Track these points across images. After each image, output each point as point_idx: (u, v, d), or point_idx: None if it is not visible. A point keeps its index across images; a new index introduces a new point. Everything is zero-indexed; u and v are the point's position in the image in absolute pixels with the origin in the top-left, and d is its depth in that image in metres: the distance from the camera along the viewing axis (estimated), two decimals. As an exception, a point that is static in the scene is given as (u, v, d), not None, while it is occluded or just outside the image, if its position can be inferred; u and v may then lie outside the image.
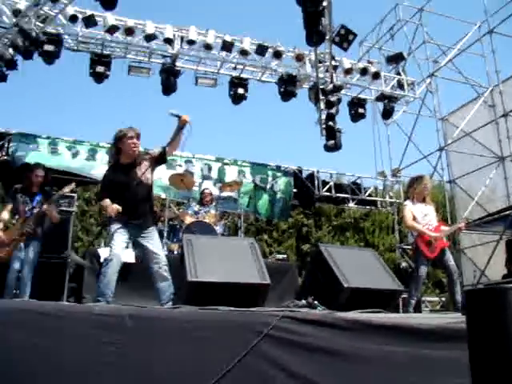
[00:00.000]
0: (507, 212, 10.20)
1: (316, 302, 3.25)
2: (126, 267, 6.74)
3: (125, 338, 2.46)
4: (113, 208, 4.34)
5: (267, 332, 2.58)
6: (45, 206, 5.64)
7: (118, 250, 4.49)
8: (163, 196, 9.58)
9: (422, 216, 5.76)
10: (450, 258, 5.58)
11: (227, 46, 10.29)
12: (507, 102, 10.55)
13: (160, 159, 4.66)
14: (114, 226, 4.47)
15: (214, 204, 8.61)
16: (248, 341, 2.55)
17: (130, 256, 6.91)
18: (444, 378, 2.67)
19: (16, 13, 8.48)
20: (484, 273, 10.46)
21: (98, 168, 10.23)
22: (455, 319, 3.05)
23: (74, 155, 10.36)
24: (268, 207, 11.83)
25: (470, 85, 12.81)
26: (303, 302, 3.28)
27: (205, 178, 11.07)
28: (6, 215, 5.70)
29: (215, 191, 9.64)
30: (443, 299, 12.01)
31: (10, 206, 5.76)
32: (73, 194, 7.19)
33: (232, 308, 2.78)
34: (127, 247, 4.78)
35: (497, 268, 10.19)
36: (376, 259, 3.98)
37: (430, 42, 13.18)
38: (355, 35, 8.79)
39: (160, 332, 2.52)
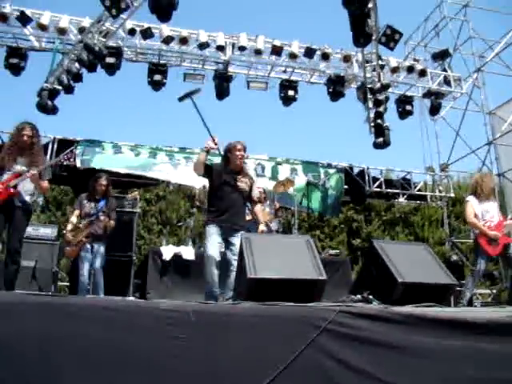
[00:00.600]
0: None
1: (371, 297, 3.36)
2: (186, 264, 7.13)
3: (190, 333, 2.63)
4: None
5: (325, 326, 2.71)
6: (102, 217, 6.26)
7: (213, 250, 4.78)
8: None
9: (483, 213, 5.77)
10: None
11: (276, 50, 10.55)
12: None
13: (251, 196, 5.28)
14: (211, 229, 4.87)
15: (268, 202, 8.78)
16: (307, 335, 2.69)
17: (190, 253, 7.23)
18: (501, 372, 2.74)
19: (81, 30, 9.18)
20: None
21: (159, 165, 10.94)
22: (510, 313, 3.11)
23: (137, 155, 10.89)
24: (320, 203, 12.00)
25: (518, 77, 12.61)
26: (358, 296, 3.40)
27: (259, 176, 11.29)
28: (74, 219, 6.38)
29: (270, 187, 9.92)
30: (494, 291, 11.85)
31: (77, 212, 6.44)
32: (136, 196, 7.63)
33: (291, 303, 2.91)
34: (220, 247, 5.02)
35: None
36: (429, 254, 4.03)
37: (475, 37, 13.04)
38: (401, 34, 8.80)
39: (223, 327, 2.68)
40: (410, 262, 3.75)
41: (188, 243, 8.32)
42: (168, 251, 7.29)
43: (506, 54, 12.64)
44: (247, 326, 2.72)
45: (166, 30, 9.85)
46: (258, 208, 5.44)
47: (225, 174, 5.09)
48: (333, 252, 9.25)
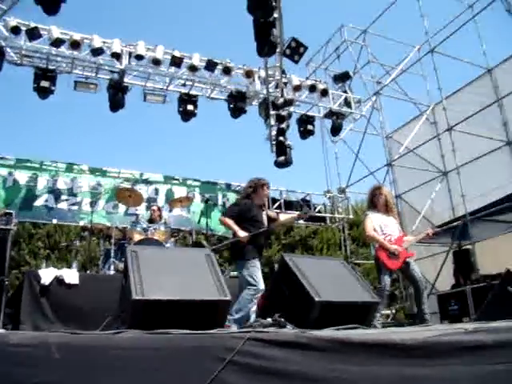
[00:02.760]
0: (454, 223, 10.34)
1: (283, 320, 2.82)
2: (69, 289, 6.19)
3: (51, 375, 1.95)
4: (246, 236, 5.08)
5: (231, 358, 2.15)
6: None
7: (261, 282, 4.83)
8: (108, 224, 9.02)
9: (382, 227, 5.55)
10: (415, 269, 5.37)
11: (176, 62, 10.00)
12: (450, 118, 10.69)
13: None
14: (252, 261, 5.00)
15: (163, 221, 8.19)
16: (208, 371, 2.11)
17: (73, 277, 6.36)
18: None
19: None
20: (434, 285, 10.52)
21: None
22: (436, 332, 2.72)
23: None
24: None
25: (412, 103, 13.17)
26: (269, 320, 2.84)
27: (152, 201, 10.56)
28: None
29: (165, 213, 9.28)
30: (393, 311, 11.96)
31: None
32: (10, 211, 6.58)
33: (187, 331, 2.30)
34: None
35: (445, 279, 10.25)
36: (347, 269, 3.61)
37: (374, 61, 13.50)
38: (306, 48, 8.68)
39: (96, 364, 2.01)
40: (327, 278, 3.28)
41: (72, 266, 7.38)
42: (48, 274, 6.31)
43: (402, 80, 13.16)
44: (129, 361, 2.06)
45: (55, 31, 8.96)
46: (280, 216, 5.91)
47: (252, 208, 5.42)
48: (234, 274, 8.67)
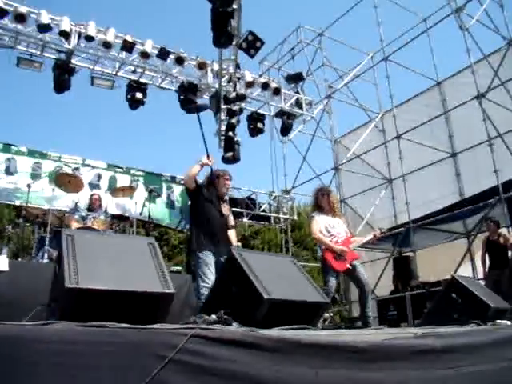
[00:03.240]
0: (396, 230, 10.51)
1: (229, 317, 2.63)
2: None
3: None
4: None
5: (172, 356, 1.94)
6: None
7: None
8: (46, 207, 8.50)
9: (328, 228, 5.46)
10: (361, 271, 5.31)
11: (128, 46, 9.57)
12: (398, 126, 10.86)
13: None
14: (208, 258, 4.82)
15: (103, 210, 7.80)
16: (147, 369, 1.89)
17: (2, 263, 5.91)
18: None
19: None
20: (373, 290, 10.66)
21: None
22: (387, 335, 2.63)
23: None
24: (167, 215, 11.29)
25: (362, 109, 13.31)
26: (213, 317, 2.64)
27: (93, 187, 10.12)
28: None
29: (107, 198, 8.88)
30: (331, 314, 12.03)
31: None
32: None
33: (125, 325, 2.08)
34: None
35: (384, 284, 10.41)
36: (296, 267, 3.45)
37: (327, 65, 13.58)
38: (263, 42, 8.54)
39: (17, 360, 1.76)
40: (277, 275, 3.12)
41: (2, 252, 6.90)
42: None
43: (354, 86, 13.30)
44: (59, 356, 1.82)
45: (-2, 0, 8.33)
46: (233, 233, 5.46)
47: (209, 196, 5.21)
48: (174, 269, 8.44)
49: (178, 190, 11.47)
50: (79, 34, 9.31)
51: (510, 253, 7.48)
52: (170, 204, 11.35)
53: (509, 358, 2.81)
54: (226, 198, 5.66)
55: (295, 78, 12.55)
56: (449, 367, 2.61)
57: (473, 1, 9.44)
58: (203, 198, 5.15)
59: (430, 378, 2.49)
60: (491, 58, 9.31)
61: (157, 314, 2.56)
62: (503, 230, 7.88)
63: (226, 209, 5.35)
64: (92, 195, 8.05)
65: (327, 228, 5.48)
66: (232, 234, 5.37)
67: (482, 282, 7.63)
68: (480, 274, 8.73)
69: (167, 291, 2.56)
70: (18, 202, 9.42)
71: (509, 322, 4.20)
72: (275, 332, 2.37)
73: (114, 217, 8.25)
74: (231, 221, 5.44)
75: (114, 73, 10.12)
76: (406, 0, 12.60)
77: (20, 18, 8.66)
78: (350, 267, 5.26)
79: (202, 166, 5.11)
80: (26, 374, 1.70)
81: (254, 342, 2.12)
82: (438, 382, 2.51)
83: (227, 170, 5.56)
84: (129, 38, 9.58)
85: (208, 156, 5.09)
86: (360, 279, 5.28)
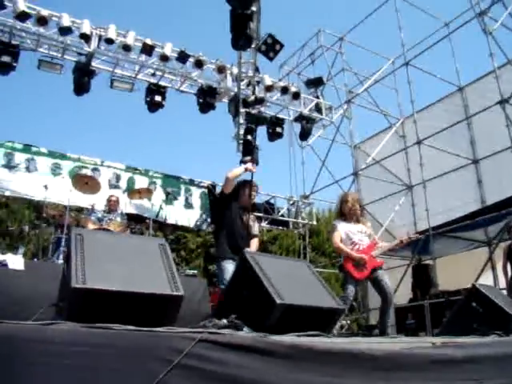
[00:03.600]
0: (417, 237, 10.32)
1: (240, 322, 2.55)
2: (13, 275, 5.74)
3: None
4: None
5: (179, 361, 1.87)
6: None
7: None
8: (65, 203, 8.52)
9: (350, 235, 5.35)
10: (383, 278, 5.18)
11: (147, 49, 9.62)
12: (419, 132, 10.70)
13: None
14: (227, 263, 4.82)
15: (119, 212, 7.79)
16: (152, 373, 1.81)
17: (18, 263, 5.92)
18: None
19: None
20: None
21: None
22: (404, 344, 2.52)
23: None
24: (185, 216, 11.24)
25: (382, 114, 13.14)
26: (224, 321, 2.56)
27: (112, 187, 10.15)
28: None
29: (124, 199, 8.89)
30: (348, 322, 11.88)
31: None
32: None
33: (131, 327, 2.00)
34: None
35: (402, 293, 10.22)
36: (311, 272, 3.36)
37: (348, 70, 13.46)
38: (282, 45, 8.48)
39: (22, 359, 1.69)
40: (290, 280, 3.02)
41: (18, 251, 6.92)
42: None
43: (374, 91, 13.14)
44: (61, 358, 1.75)
45: (21, 3, 8.43)
46: (254, 241, 5.32)
47: (236, 204, 5.18)
48: (190, 272, 8.38)
49: (196, 193, 11.47)
50: (99, 37, 9.41)
51: (533, 262, 7.27)
52: (189, 206, 11.31)
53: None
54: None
55: (315, 83, 12.48)
56: (471, 379, 2.49)
57: (497, 4, 9.26)
58: (231, 205, 5.13)
59: (450, 388, 2.38)
60: (516, 62, 9.11)
61: (165, 316, 2.49)
62: (526, 239, 7.67)
63: (250, 218, 5.28)
64: (110, 197, 8.05)
65: (348, 235, 5.37)
66: (253, 243, 5.29)
67: (504, 292, 7.43)
68: (502, 284, 8.51)
69: (176, 293, 2.48)
70: (37, 198, 9.42)
71: (532, 334, 4.05)
72: (288, 338, 2.28)
73: (130, 219, 8.23)
74: (255, 230, 5.39)
75: (134, 75, 10.20)
76: (429, 4, 12.43)
77: (42, 20, 8.80)
78: (372, 275, 5.14)
79: (246, 170, 5.11)
80: (22, 375, 1.64)
81: (265, 348, 2.03)
82: (458, 394, 2.40)
83: (254, 180, 5.44)
84: (148, 41, 9.63)
85: (253, 162, 5.19)
86: (382, 286, 5.15)
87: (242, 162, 10.38)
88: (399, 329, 8.14)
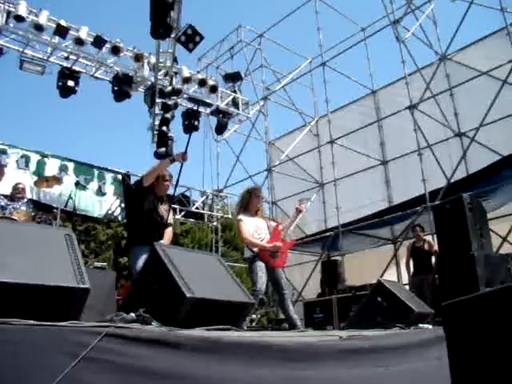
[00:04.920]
0: (326, 234, 10.66)
1: (148, 316, 2.49)
2: None
3: None
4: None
5: (85, 354, 1.79)
6: None
7: None
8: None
9: (258, 230, 5.36)
10: (281, 274, 5.24)
11: (61, 31, 9.11)
12: (333, 131, 11.04)
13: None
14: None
15: (25, 200, 7.34)
16: (58, 367, 1.73)
17: None
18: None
19: None
20: (301, 292, 10.78)
21: None
22: (313, 338, 2.59)
23: None
24: (97, 207, 10.89)
25: (298, 113, 13.44)
26: (132, 315, 2.49)
27: (20, 169, 9.59)
28: None
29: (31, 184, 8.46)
30: (258, 316, 12.06)
31: None
32: None
33: (32, 321, 1.90)
34: None
35: (311, 287, 10.54)
36: (222, 266, 3.34)
37: (266, 67, 13.63)
38: (202, 37, 8.41)
39: None
40: (201, 273, 2.98)
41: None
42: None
43: (291, 89, 13.41)
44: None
45: None
46: (168, 231, 5.21)
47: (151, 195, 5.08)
48: (98, 264, 8.08)
49: (110, 180, 11.13)
50: (8, 13, 8.78)
51: (433, 259, 7.71)
52: (101, 195, 10.96)
53: (436, 356, 2.84)
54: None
55: (233, 77, 12.50)
56: (378, 366, 2.60)
57: (410, 15, 9.73)
58: (147, 196, 5.02)
59: (360, 375, 2.47)
60: (424, 71, 9.61)
61: (70, 310, 2.37)
62: (428, 237, 8.12)
63: (164, 207, 5.24)
64: (17, 184, 7.54)
65: (257, 230, 5.37)
66: (167, 232, 5.20)
67: (407, 287, 7.84)
68: (405, 280, 8.97)
69: (82, 286, 2.37)
70: None
71: (430, 326, 4.30)
72: (196, 332, 2.26)
73: (37, 208, 7.78)
74: (170, 219, 5.28)
75: (46, 58, 9.62)
76: (347, 8, 12.91)
77: None
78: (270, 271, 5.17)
79: (172, 161, 5.06)
80: None
81: (173, 342, 2.00)
82: (367, 380, 2.50)
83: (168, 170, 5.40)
84: (63, 23, 9.14)
85: (184, 155, 4.95)
86: (280, 283, 5.19)
87: (157, 153, 10.21)
88: (308, 322, 8.34)
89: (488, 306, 1.55)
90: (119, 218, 11.47)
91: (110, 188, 11.13)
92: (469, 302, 1.62)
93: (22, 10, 8.72)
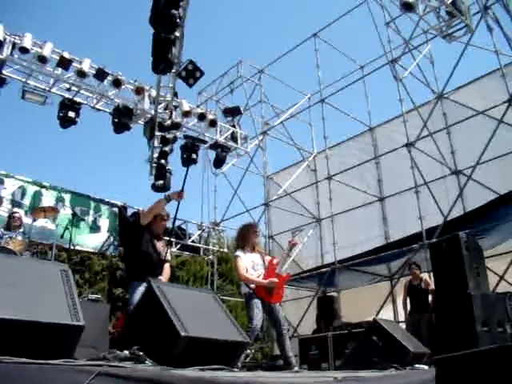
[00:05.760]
0: (322, 270, 10.62)
1: (142, 354, 2.46)
2: None
3: None
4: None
5: (78, 394, 1.76)
6: None
7: None
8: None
9: (252, 266, 5.35)
10: (279, 311, 5.21)
11: (64, 63, 9.19)
12: (330, 167, 11.12)
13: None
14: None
15: (22, 230, 7.32)
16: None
17: None
18: None
19: None
20: (296, 328, 10.67)
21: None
22: (306, 379, 2.55)
23: None
24: (91, 240, 10.79)
25: (296, 148, 13.54)
26: (126, 352, 2.46)
27: (15, 204, 9.57)
28: None
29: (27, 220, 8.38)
30: (253, 351, 11.86)
31: None
32: None
33: (24, 359, 1.88)
34: None
35: (307, 323, 10.43)
36: (218, 304, 3.31)
37: (265, 102, 13.81)
38: (202, 73, 8.50)
39: None
40: (196, 312, 2.96)
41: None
42: None
43: (290, 125, 13.56)
44: None
45: None
46: (166, 267, 5.28)
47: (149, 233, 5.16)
48: (93, 297, 8.00)
49: (106, 213, 11.10)
50: (13, 45, 8.92)
51: (430, 298, 7.67)
52: (96, 228, 10.91)
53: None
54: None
55: (232, 112, 12.61)
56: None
57: (407, 54, 9.92)
58: (144, 232, 5.09)
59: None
60: (421, 109, 9.73)
61: (63, 347, 2.35)
62: (425, 275, 8.08)
63: (162, 244, 5.31)
64: (13, 213, 7.55)
65: (254, 266, 5.36)
66: (165, 269, 5.24)
67: (403, 325, 7.76)
68: (401, 317, 8.89)
69: (76, 323, 2.35)
70: None
71: (426, 367, 4.24)
72: (190, 372, 2.23)
73: (33, 240, 7.75)
74: (167, 256, 5.35)
75: (48, 89, 9.73)
76: (346, 47, 13.14)
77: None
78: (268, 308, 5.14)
79: (169, 200, 5.10)
80: None
81: (166, 382, 1.97)
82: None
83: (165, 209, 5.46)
84: (66, 55, 9.27)
85: (181, 193, 5.04)
86: (278, 320, 5.16)
87: (155, 186, 10.23)
88: (303, 359, 8.23)
89: (480, 364, 1.55)
90: (113, 253, 11.41)
91: (104, 222, 11.07)
92: (461, 358, 1.61)
93: (27, 43, 8.84)
